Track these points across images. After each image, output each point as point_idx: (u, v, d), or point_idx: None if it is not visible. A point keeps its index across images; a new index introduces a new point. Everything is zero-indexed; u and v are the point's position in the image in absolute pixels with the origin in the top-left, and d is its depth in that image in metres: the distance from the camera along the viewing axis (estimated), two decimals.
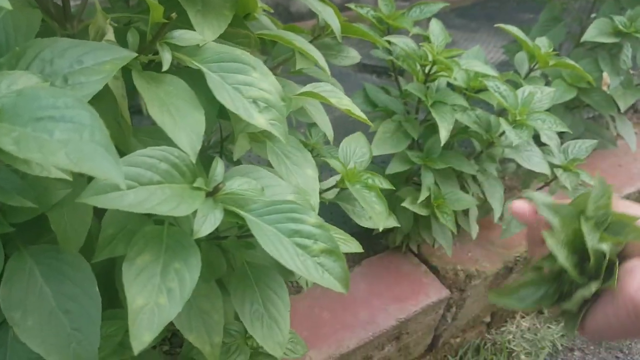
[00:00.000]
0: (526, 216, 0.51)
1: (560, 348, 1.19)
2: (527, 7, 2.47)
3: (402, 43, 0.78)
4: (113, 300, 0.50)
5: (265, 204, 0.43)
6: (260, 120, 0.44)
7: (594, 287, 0.49)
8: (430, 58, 0.77)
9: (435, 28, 0.82)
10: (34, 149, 0.29)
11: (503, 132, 0.82)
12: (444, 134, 0.74)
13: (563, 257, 0.49)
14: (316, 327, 0.87)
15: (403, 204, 0.81)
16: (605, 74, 1.13)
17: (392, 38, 0.78)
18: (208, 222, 0.40)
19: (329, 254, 0.43)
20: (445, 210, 0.81)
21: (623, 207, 0.50)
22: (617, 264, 0.47)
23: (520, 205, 0.51)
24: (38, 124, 0.30)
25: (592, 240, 0.47)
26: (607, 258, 0.47)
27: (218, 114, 0.55)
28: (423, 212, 0.82)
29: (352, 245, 0.54)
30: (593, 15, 1.28)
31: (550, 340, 1.18)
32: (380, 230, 0.58)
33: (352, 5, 0.85)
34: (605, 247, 0.47)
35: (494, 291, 0.53)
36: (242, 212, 0.42)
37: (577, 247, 0.49)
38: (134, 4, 0.68)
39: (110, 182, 0.35)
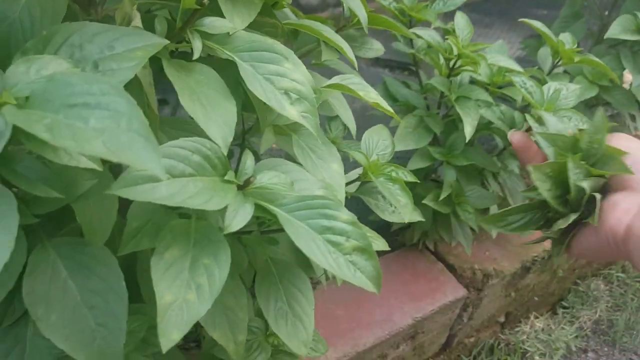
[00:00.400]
0: (523, 147, 0.56)
1: (574, 349, 1.18)
2: (540, 3, 2.44)
3: (428, 36, 0.76)
4: (134, 295, 0.49)
5: (296, 199, 0.42)
6: (292, 112, 0.42)
7: (572, 218, 0.51)
8: (455, 51, 0.76)
9: (461, 21, 0.80)
10: (67, 137, 0.27)
11: (528, 129, 0.80)
12: (468, 130, 0.73)
13: (544, 190, 0.51)
14: (332, 325, 0.85)
15: (424, 201, 0.79)
16: (626, 72, 1.11)
17: (418, 30, 0.76)
18: (239, 216, 0.38)
19: (361, 252, 0.42)
20: (466, 208, 0.80)
21: (618, 141, 0.51)
22: (599, 199, 0.48)
23: (518, 137, 0.57)
24: (71, 110, 0.29)
25: (575, 176, 0.50)
26: (587, 193, 0.49)
27: (242, 106, 0.54)
28: (444, 209, 0.80)
29: (379, 243, 0.53)
30: (606, 12, 1.26)
31: (565, 341, 1.17)
32: (406, 222, 0.57)
33: None
34: (585, 183, 0.49)
35: (483, 218, 0.56)
36: (272, 207, 0.41)
37: (563, 180, 0.50)
38: None
39: (142, 174, 0.34)
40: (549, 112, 0.76)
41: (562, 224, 0.52)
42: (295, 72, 0.43)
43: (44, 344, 0.43)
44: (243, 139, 0.62)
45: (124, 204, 0.45)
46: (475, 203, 0.81)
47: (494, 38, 2.08)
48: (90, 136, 0.28)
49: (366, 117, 0.98)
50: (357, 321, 0.86)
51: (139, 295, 0.51)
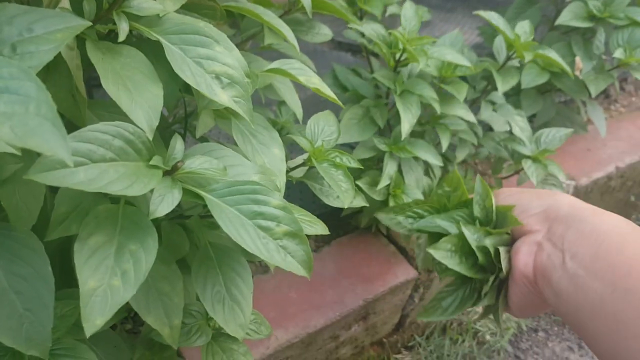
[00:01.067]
0: None
1: (524, 329, 1.21)
2: None
3: (370, 29, 0.76)
4: (69, 279, 0.49)
5: (226, 185, 0.42)
6: (223, 97, 0.42)
7: (490, 280, 0.54)
8: (400, 46, 0.76)
9: (408, 12, 0.80)
10: None
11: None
12: (406, 127, 0.73)
13: (455, 265, 0.54)
14: (283, 307, 0.86)
15: (357, 182, 0.79)
16: (577, 59, 1.13)
17: (362, 27, 0.76)
18: (165, 202, 0.38)
19: (292, 237, 0.42)
20: (398, 200, 0.81)
21: (503, 198, 0.56)
22: (503, 250, 0.52)
23: None
24: None
25: (475, 240, 0.55)
26: (492, 250, 0.52)
27: (183, 88, 0.53)
28: (380, 197, 0.81)
29: (318, 227, 0.53)
30: None
31: (515, 321, 1.20)
32: (346, 207, 0.57)
33: None
34: (487, 241, 0.53)
35: (421, 314, 0.59)
36: (202, 192, 0.41)
37: (468, 249, 0.54)
38: None
39: (58, 159, 0.34)
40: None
41: (485, 289, 0.55)
42: (227, 56, 0.43)
43: None
44: (186, 122, 0.62)
45: (56, 189, 0.44)
46: (409, 196, 0.81)
47: (454, 23, 2.09)
48: None
49: (322, 102, 0.98)
50: (309, 303, 0.87)
51: (74, 279, 0.51)
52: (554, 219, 0.51)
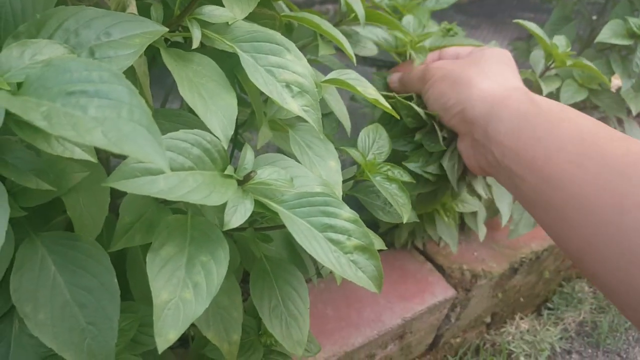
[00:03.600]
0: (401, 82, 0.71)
1: (558, 350, 1.18)
2: (526, 6, 2.45)
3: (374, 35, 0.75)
4: (124, 292, 0.47)
5: (296, 196, 0.40)
6: (294, 106, 0.41)
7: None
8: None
9: (409, 18, 0.79)
10: (66, 126, 0.26)
11: None
12: None
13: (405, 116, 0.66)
14: (320, 324, 0.84)
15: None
16: (613, 76, 1.12)
17: (363, 30, 0.74)
18: (239, 212, 0.37)
19: (363, 251, 0.41)
20: (449, 209, 0.80)
21: (429, 85, 0.63)
22: (451, 166, 0.64)
23: (394, 78, 0.73)
24: (69, 98, 0.27)
25: (421, 169, 0.66)
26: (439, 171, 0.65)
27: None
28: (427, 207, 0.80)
29: (377, 242, 0.52)
30: (594, 17, 1.26)
31: (549, 342, 1.17)
32: (404, 222, 0.56)
33: None
34: (430, 168, 0.65)
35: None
36: (273, 204, 0.39)
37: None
38: None
39: (140, 166, 0.33)
40: None
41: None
42: (297, 64, 0.42)
43: (30, 342, 0.41)
44: (236, 133, 0.61)
45: (113, 200, 0.43)
46: (458, 207, 0.81)
47: (480, 39, 2.09)
48: (90, 126, 0.26)
49: (356, 114, 0.97)
50: (346, 321, 0.85)
51: (129, 292, 0.49)
52: (472, 121, 0.55)
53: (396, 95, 0.65)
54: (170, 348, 0.82)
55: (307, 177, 0.45)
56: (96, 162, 0.33)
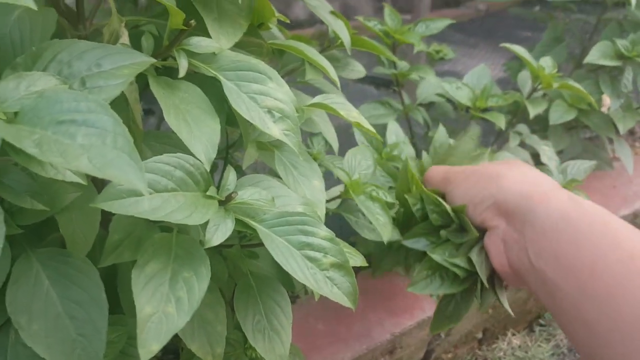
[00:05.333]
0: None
1: None
2: (525, 25, 2.49)
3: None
4: (114, 306, 0.50)
5: (276, 215, 0.43)
6: (275, 130, 0.43)
7: (478, 286, 0.57)
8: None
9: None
10: (55, 153, 0.29)
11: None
12: None
13: (436, 289, 0.57)
14: (311, 339, 0.86)
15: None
16: (604, 96, 1.14)
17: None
18: (220, 231, 0.39)
19: (339, 268, 0.43)
20: None
21: (451, 189, 0.58)
22: (479, 260, 0.54)
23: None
24: (60, 127, 0.30)
25: (448, 261, 0.56)
26: (467, 262, 0.56)
27: (224, 121, 0.55)
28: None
29: (357, 259, 0.54)
30: (587, 35, 1.29)
31: (541, 358, 1.18)
32: (385, 241, 0.58)
33: (360, 18, 0.85)
34: (458, 261, 0.55)
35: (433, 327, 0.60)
36: (253, 223, 0.42)
37: (445, 266, 0.57)
38: (142, 6, 0.67)
39: (125, 188, 0.35)
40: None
41: (478, 293, 0.57)
42: (278, 91, 0.44)
43: (25, 353, 0.44)
44: (227, 153, 0.63)
45: (105, 217, 0.46)
46: None
47: (478, 58, 2.12)
48: (77, 152, 0.29)
49: (348, 134, 1.00)
50: (336, 336, 0.87)
51: (119, 306, 0.52)
52: (506, 213, 0.50)
53: (424, 188, 0.60)
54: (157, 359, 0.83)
55: (289, 197, 0.48)
56: (86, 184, 0.36)
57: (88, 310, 0.41)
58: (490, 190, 0.52)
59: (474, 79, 0.93)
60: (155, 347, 0.37)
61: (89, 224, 0.43)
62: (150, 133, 0.51)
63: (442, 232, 0.58)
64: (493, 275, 0.56)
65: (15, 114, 0.32)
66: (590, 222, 0.43)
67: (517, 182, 0.50)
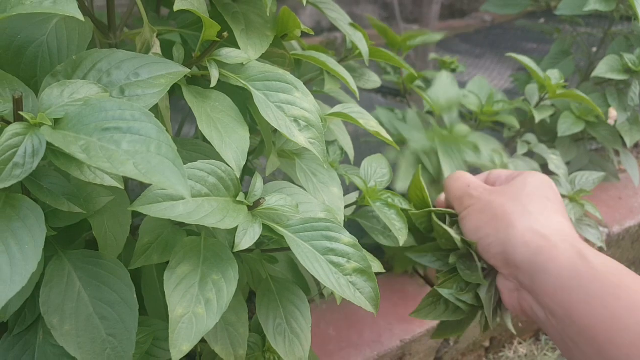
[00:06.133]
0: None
1: None
2: (530, 36, 2.51)
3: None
4: (139, 308, 0.51)
5: (301, 221, 0.44)
6: (301, 139, 0.45)
7: (482, 312, 0.58)
8: None
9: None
10: (103, 159, 0.30)
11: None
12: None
13: (439, 315, 0.58)
14: (322, 344, 0.87)
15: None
16: (611, 109, 1.16)
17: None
18: (248, 236, 0.41)
19: (361, 274, 0.44)
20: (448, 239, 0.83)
21: (465, 215, 0.56)
22: (488, 298, 0.55)
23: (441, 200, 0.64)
24: (105, 134, 0.31)
25: (454, 297, 0.56)
26: (474, 299, 0.56)
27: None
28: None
29: (375, 265, 0.55)
30: (594, 49, 1.31)
31: None
32: (401, 245, 0.59)
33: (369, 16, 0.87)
34: (466, 297, 0.56)
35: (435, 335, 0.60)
36: (279, 228, 0.43)
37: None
38: (164, 16, 0.69)
39: (162, 193, 0.36)
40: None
41: (483, 319, 0.57)
42: (304, 101, 0.46)
43: (53, 352, 0.45)
44: (247, 160, 0.65)
45: (138, 221, 0.47)
46: None
47: (483, 69, 2.14)
48: (123, 158, 0.30)
49: (360, 143, 1.01)
50: (347, 341, 0.88)
51: (143, 308, 0.53)
52: (516, 266, 0.49)
53: (433, 213, 0.59)
54: None
55: (311, 204, 0.49)
56: (123, 188, 0.37)
57: (119, 311, 0.42)
58: (499, 236, 0.51)
59: (475, 88, 0.95)
60: (186, 348, 0.38)
61: (120, 226, 0.44)
62: (177, 140, 0.52)
63: (451, 258, 0.58)
64: (500, 303, 0.56)
65: (58, 120, 0.34)
66: (602, 282, 0.43)
67: (526, 233, 0.49)
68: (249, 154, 0.65)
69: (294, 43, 0.72)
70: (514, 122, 0.87)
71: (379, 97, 2.00)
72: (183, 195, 0.30)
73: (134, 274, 0.52)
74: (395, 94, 1.95)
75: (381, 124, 0.91)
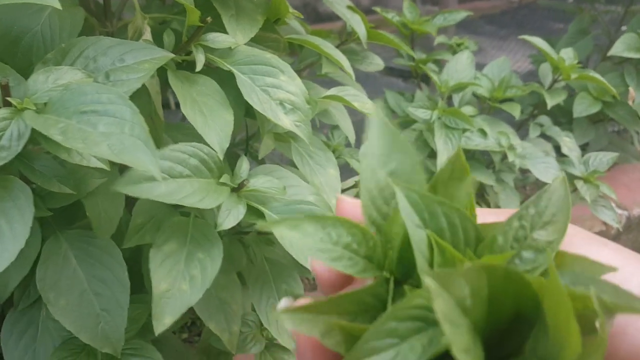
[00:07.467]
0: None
1: None
2: (557, 16, 2.45)
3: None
4: (139, 285, 0.53)
5: (285, 203, 0.45)
6: (286, 122, 0.46)
7: None
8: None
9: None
10: (78, 140, 0.32)
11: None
12: (442, 161, 0.76)
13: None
14: None
15: None
16: (631, 89, 1.13)
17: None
18: (231, 216, 0.42)
19: None
20: None
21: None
22: None
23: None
24: (83, 116, 0.33)
25: None
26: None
27: (245, 113, 0.58)
28: None
29: None
30: (624, 27, 1.28)
31: None
32: None
33: (378, 9, 0.87)
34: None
35: None
36: (263, 209, 0.44)
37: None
38: (170, 3, 0.71)
39: (143, 174, 0.38)
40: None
41: None
42: (290, 84, 0.47)
43: (54, 326, 0.47)
44: (247, 144, 0.66)
45: (132, 202, 0.49)
46: None
47: (507, 51, 2.10)
48: (98, 140, 0.32)
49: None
50: None
51: (144, 286, 0.55)
52: None
53: None
54: (189, 342, 0.87)
55: (300, 187, 0.50)
56: (109, 169, 0.39)
57: (112, 288, 0.44)
58: None
59: (494, 71, 0.94)
60: (169, 320, 0.39)
61: (113, 207, 0.46)
62: (174, 125, 0.54)
63: None
64: None
65: (45, 104, 0.36)
66: None
67: None
68: (249, 137, 0.66)
69: (299, 27, 0.72)
70: (516, 111, 0.86)
71: (399, 81, 1.99)
72: (154, 174, 0.31)
73: (135, 254, 0.54)
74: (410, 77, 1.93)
75: (389, 106, 0.91)
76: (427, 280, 0.14)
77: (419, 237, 0.17)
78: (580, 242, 0.20)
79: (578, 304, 0.16)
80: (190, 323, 0.82)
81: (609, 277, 0.17)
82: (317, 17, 2.24)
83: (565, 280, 0.17)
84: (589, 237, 0.22)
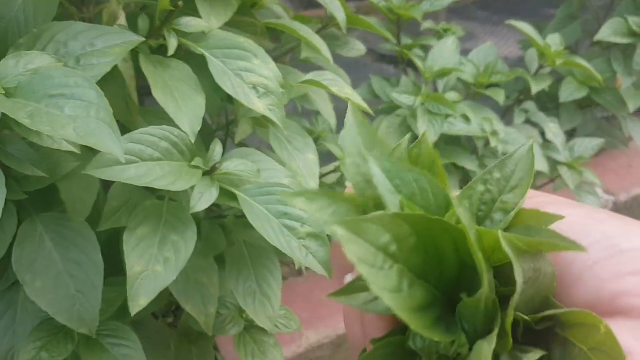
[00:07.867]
0: None
1: None
2: (551, 2, 2.43)
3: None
4: (117, 268, 0.54)
5: (258, 186, 0.46)
6: (259, 106, 0.46)
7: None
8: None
9: None
10: (45, 123, 0.32)
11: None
12: None
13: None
14: (315, 309, 0.90)
15: None
16: (619, 75, 1.13)
17: None
18: (204, 198, 0.43)
19: (315, 238, 0.46)
20: None
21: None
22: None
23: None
24: (51, 100, 0.33)
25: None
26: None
27: (225, 98, 0.58)
28: None
29: None
30: (603, 12, 1.28)
31: None
32: None
33: None
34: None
35: None
36: (235, 191, 0.45)
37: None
38: None
39: (114, 157, 0.38)
40: None
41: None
42: (263, 68, 0.47)
43: (33, 308, 0.48)
44: (227, 129, 0.67)
45: (108, 186, 0.50)
46: None
47: (500, 36, 2.10)
48: (64, 122, 0.32)
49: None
50: (339, 306, 0.90)
51: (122, 269, 0.56)
52: None
53: None
54: (174, 326, 0.88)
55: (275, 170, 0.51)
56: (79, 153, 0.39)
57: (86, 270, 0.45)
58: None
59: (480, 57, 0.94)
60: (143, 302, 0.40)
61: (88, 191, 0.47)
62: (151, 110, 0.54)
63: None
64: None
65: (15, 89, 0.36)
66: None
67: None
68: (230, 123, 0.67)
69: (281, 12, 0.73)
70: (500, 97, 0.86)
71: (390, 68, 1.99)
72: (118, 157, 0.32)
73: (113, 237, 0.55)
74: (408, 64, 1.93)
75: (373, 91, 0.92)
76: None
77: (392, 203, 0.17)
78: (550, 206, 0.21)
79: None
80: (175, 308, 0.83)
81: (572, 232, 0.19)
82: (309, 3, 2.23)
83: (519, 233, 0.18)
84: (561, 201, 0.23)
